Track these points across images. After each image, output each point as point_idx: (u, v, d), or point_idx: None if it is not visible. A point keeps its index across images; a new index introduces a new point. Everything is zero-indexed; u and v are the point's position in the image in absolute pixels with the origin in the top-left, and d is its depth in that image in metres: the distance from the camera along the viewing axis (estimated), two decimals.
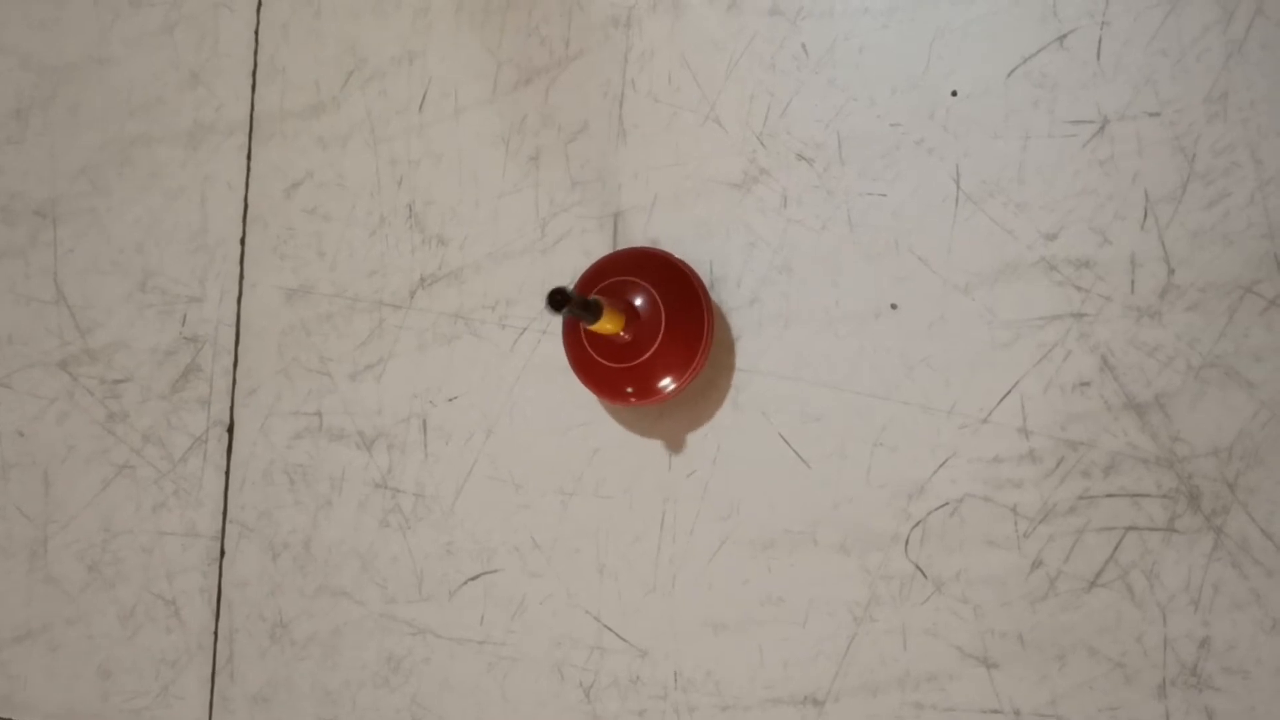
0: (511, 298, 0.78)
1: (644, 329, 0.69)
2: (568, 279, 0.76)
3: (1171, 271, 0.65)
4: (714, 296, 0.73)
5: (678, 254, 0.72)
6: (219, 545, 0.85)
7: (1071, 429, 0.66)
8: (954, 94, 0.69)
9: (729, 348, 0.72)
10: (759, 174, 0.73)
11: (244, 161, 0.86)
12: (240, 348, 0.85)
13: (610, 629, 0.74)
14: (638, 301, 0.69)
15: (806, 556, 0.70)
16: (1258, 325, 0.63)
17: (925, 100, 0.70)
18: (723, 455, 0.72)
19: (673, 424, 0.74)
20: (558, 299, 0.60)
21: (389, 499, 0.80)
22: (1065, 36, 0.67)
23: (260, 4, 0.86)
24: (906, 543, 0.69)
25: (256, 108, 0.86)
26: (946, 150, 0.69)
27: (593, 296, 0.67)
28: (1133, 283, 0.65)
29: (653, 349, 0.69)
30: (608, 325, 0.67)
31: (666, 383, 0.69)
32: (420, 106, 0.81)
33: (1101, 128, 0.66)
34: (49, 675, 0.89)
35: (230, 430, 0.85)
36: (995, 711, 0.67)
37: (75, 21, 0.91)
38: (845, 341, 0.70)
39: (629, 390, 0.70)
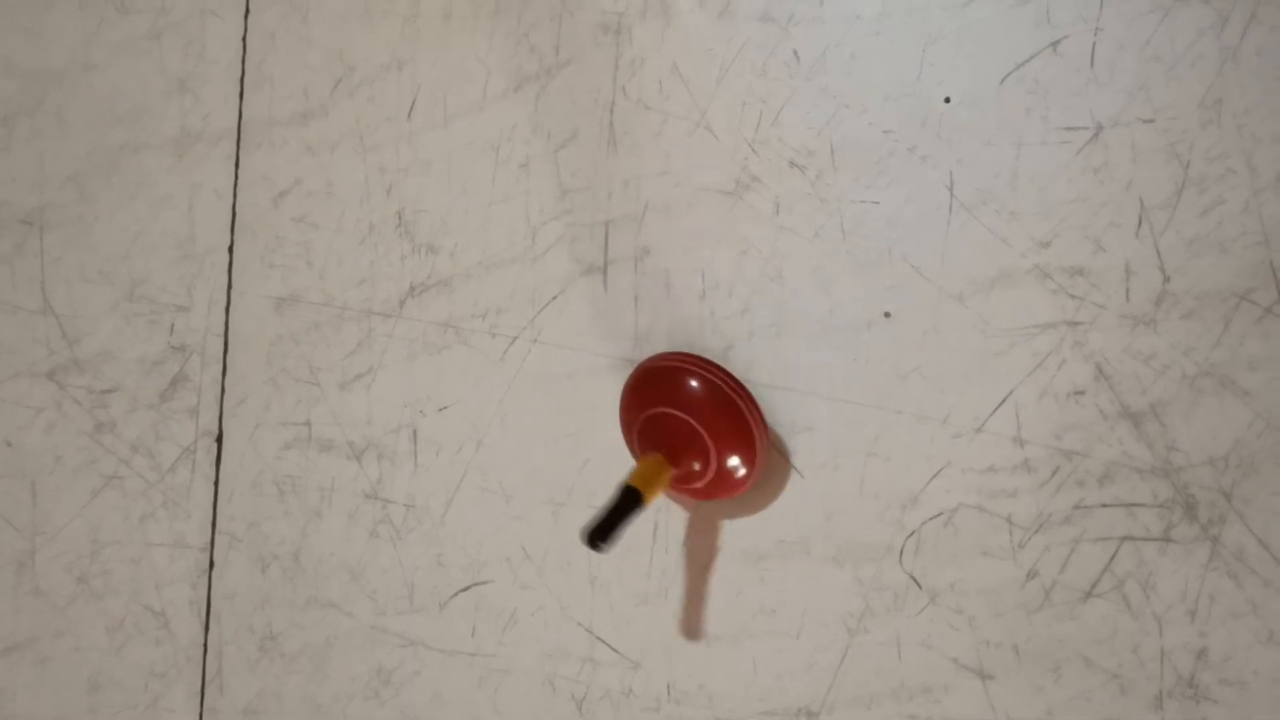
0: (502, 306, 0.77)
1: (697, 450, 0.67)
2: (559, 287, 0.76)
3: (1166, 279, 0.64)
4: (705, 305, 0.72)
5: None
6: (208, 556, 0.84)
7: (1066, 438, 0.65)
8: (947, 101, 0.69)
9: (720, 357, 0.72)
10: (751, 182, 0.72)
11: (232, 169, 0.85)
12: (229, 357, 0.84)
13: (602, 641, 0.74)
14: (677, 429, 0.67)
15: (800, 568, 0.70)
16: (1253, 333, 0.63)
17: (918, 107, 0.69)
18: None
19: None
20: (597, 537, 0.61)
21: (379, 510, 0.79)
22: (1059, 43, 0.67)
23: (248, 11, 0.85)
24: (900, 553, 0.68)
25: (244, 115, 0.85)
26: (939, 157, 0.68)
27: (628, 484, 0.64)
28: (1127, 290, 0.65)
29: (711, 465, 0.67)
30: (661, 479, 0.66)
31: (736, 464, 0.68)
32: (409, 114, 0.80)
33: (1095, 134, 0.66)
34: (37, 688, 0.88)
35: (219, 440, 0.84)
36: None
37: (61, 28, 0.91)
38: (838, 350, 0.70)
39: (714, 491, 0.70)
